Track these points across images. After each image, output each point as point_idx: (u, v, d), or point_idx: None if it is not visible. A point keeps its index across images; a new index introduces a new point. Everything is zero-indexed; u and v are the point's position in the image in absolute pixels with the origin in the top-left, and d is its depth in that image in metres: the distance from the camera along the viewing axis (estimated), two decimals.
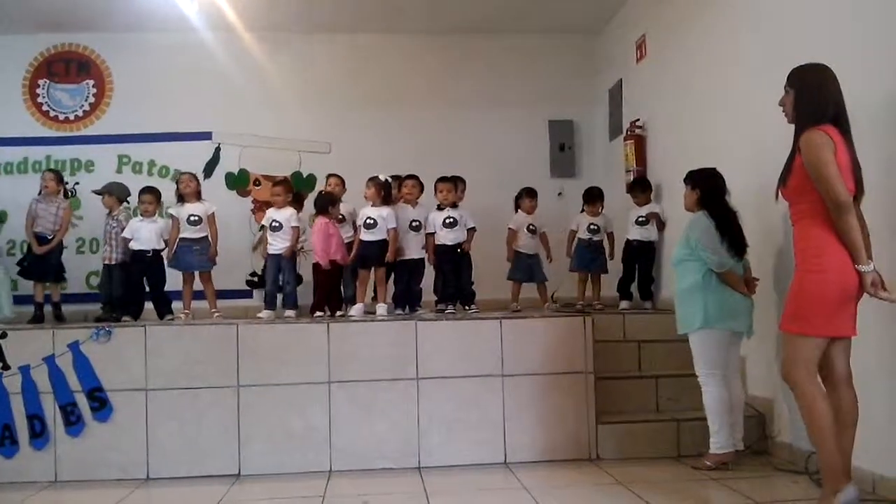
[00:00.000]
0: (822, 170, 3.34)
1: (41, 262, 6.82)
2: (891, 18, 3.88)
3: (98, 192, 6.97)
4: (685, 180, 4.97)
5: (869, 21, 4.06)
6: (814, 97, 3.49)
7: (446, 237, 6.44)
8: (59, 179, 7.06)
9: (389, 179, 6.37)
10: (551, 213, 7.46)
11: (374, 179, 6.28)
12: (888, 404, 3.83)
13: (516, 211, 7.09)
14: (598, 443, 5.18)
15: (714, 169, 4.89)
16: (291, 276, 6.54)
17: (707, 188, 4.82)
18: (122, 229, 6.55)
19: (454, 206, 6.54)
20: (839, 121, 3.44)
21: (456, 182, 6.68)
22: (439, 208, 6.52)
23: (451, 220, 6.46)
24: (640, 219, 6.95)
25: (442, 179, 6.59)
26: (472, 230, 6.56)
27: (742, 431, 4.84)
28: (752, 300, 4.74)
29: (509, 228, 7.00)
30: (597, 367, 5.29)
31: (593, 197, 7.28)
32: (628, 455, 5.13)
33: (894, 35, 3.85)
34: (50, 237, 6.81)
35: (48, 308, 6.88)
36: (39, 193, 6.93)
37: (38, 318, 6.72)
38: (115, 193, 6.77)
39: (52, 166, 8.23)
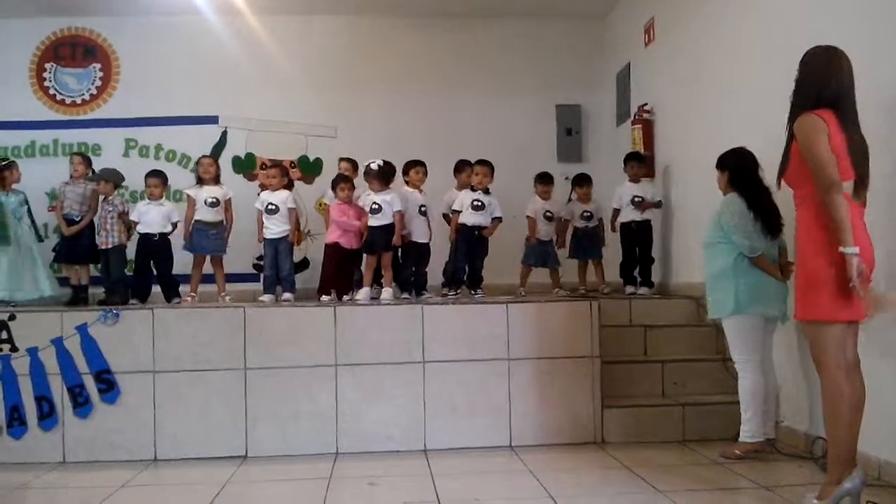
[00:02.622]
0: (812, 150, 3.33)
1: (73, 245, 6.91)
2: None
3: (92, 179, 6.99)
4: (716, 164, 4.88)
5: (880, 8, 4.02)
6: (810, 82, 3.47)
7: (469, 218, 6.46)
8: (88, 162, 7.20)
9: (382, 163, 6.28)
10: (557, 198, 7.45)
11: (368, 172, 6.24)
12: (894, 390, 3.83)
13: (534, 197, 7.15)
14: (604, 427, 5.19)
15: (741, 148, 4.76)
16: (288, 260, 6.53)
17: (734, 168, 4.71)
18: (118, 214, 6.56)
19: (487, 191, 6.54)
20: (839, 105, 3.39)
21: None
22: (473, 190, 6.53)
23: (479, 203, 6.47)
24: (637, 199, 6.92)
25: (480, 163, 6.61)
26: (497, 219, 6.55)
27: (773, 419, 4.77)
28: (787, 285, 4.55)
29: (528, 217, 7.04)
30: (603, 351, 5.29)
31: (582, 181, 7.32)
32: (633, 439, 5.14)
33: None
34: (78, 218, 6.91)
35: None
36: (70, 177, 7.07)
37: (80, 300, 6.86)
38: (110, 180, 6.77)
39: (60, 150, 8.28)
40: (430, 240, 6.55)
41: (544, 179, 7.16)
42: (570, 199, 7.38)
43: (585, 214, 7.24)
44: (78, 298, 6.88)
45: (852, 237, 3.25)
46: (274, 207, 6.45)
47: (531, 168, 7.33)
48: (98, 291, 7.05)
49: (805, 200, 3.49)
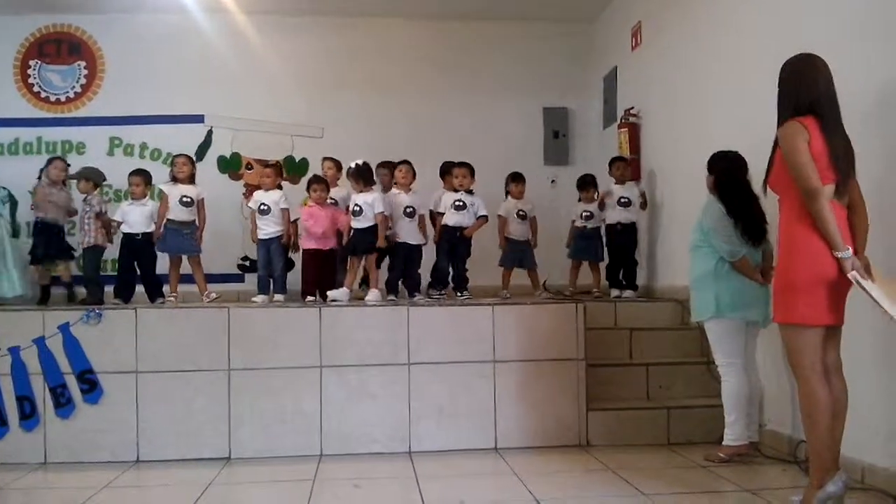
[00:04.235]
0: (792, 157, 3.39)
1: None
2: (889, 7, 3.87)
3: (73, 177, 6.94)
4: (706, 165, 4.90)
5: (866, 9, 4.05)
6: (789, 91, 3.53)
7: (450, 219, 6.46)
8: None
9: (360, 163, 6.22)
10: (544, 201, 7.47)
11: (348, 173, 6.27)
12: (878, 394, 3.86)
13: (506, 197, 7.09)
14: (589, 429, 5.20)
15: (732, 152, 4.76)
16: (280, 261, 6.49)
17: (720, 171, 4.73)
18: (95, 214, 6.49)
19: (469, 191, 6.52)
20: (819, 110, 3.43)
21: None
22: (455, 191, 6.51)
23: (461, 203, 6.46)
24: (623, 200, 6.94)
25: (459, 165, 6.58)
26: (482, 218, 6.54)
27: (757, 423, 4.80)
28: (768, 289, 4.50)
29: (499, 216, 7.00)
30: (588, 354, 5.30)
31: (586, 183, 7.28)
32: (618, 442, 5.15)
33: (891, 24, 3.85)
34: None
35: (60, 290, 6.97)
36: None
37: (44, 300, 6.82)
38: (90, 178, 6.71)
39: (44, 148, 8.25)
40: (422, 242, 6.46)
41: (517, 179, 7.13)
42: (579, 200, 7.36)
43: (585, 214, 7.20)
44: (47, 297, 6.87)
45: (841, 240, 3.32)
46: (266, 208, 6.40)
47: (518, 170, 7.32)
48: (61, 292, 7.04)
49: (786, 205, 3.55)
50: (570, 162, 8.90)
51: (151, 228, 6.52)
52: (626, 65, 7.88)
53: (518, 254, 7.04)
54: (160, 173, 7.09)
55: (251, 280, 7.02)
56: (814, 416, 3.42)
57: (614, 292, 7.01)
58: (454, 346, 5.22)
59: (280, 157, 8.54)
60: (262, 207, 6.42)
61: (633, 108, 7.51)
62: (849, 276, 3.31)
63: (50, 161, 7.03)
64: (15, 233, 7.15)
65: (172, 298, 6.41)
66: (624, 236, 7.00)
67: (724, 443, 4.65)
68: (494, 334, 5.25)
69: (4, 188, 7.03)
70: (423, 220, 6.50)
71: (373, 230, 6.08)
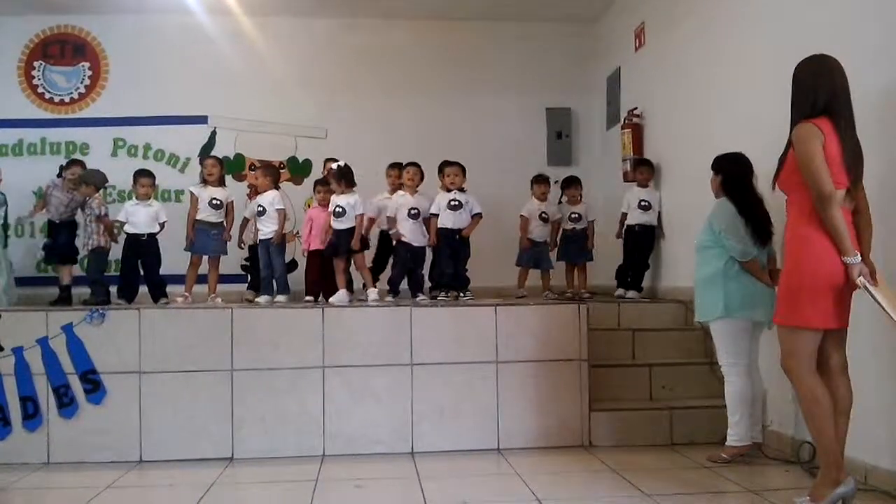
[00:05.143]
0: (807, 161, 3.36)
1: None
2: (892, 8, 3.87)
3: (73, 183, 6.95)
4: (711, 166, 4.90)
5: (870, 10, 4.04)
6: (804, 91, 3.51)
7: (448, 220, 6.40)
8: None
9: (342, 164, 6.19)
10: (552, 200, 7.44)
11: (330, 173, 6.25)
12: (880, 395, 3.84)
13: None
14: (591, 430, 5.19)
15: (739, 153, 4.78)
16: (278, 262, 6.48)
17: (729, 172, 4.74)
18: (96, 217, 6.49)
19: (461, 190, 6.51)
20: (832, 112, 3.42)
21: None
22: (448, 191, 6.49)
23: (456, 202, 6.41)
24: (644, 203, 6.92)
25: (450, 164, 6.54)
26: (477, 216, 6.50)
27: (761, 423, 4.80)
28: (775, 291, 4.47)
29: (521, 216, 7.01)
30: (591, 354, 5.29)
31: (570, 183, 7.32)
32: (621, 442, 5.14)
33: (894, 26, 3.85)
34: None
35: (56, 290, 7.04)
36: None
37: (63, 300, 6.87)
38: (90, 182, 6.70)
39: (48, 149, 8.30)
40: (425, 243, 6.46)
41: (541, 180, 7.16)
42: (560, 202, 7.38)
43: (573, 216, 7.24)
44: (69, 297, 6.91)
45: (851, 245, 3.32)
46: (262, 209, 6.42)
47: (521, 171, 7.33)
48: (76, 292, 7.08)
49: (795, 206, 3.54)
50: (574, 162, 8.89)
51: (156, 229, 6.52)
52: (629, 65, 7.87)
53: (535, 255, 7.07)
54: (163, 174, 7.10)
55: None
56: (817, 414, 3.41)
57: (618, 291, 7.01)
58: (457, 346, 5.22)
59: (283, 159, 8.58)
60: (258, 209, 6.43)
61: (636, 108, 7.50)
62: (857, 281, 3.31)
63: (70, 164, 7.21)
64: (5, 241, 7.15)
65: (182, 299, 6.39)
66: (642, 238, 7.00)
67: (727, 443, 4.65)
68: (497, 335, 5.24)
69: (1, 193, 7.04)
70: (427, 222, 6.47)
71: (352, 232, 6.06)
